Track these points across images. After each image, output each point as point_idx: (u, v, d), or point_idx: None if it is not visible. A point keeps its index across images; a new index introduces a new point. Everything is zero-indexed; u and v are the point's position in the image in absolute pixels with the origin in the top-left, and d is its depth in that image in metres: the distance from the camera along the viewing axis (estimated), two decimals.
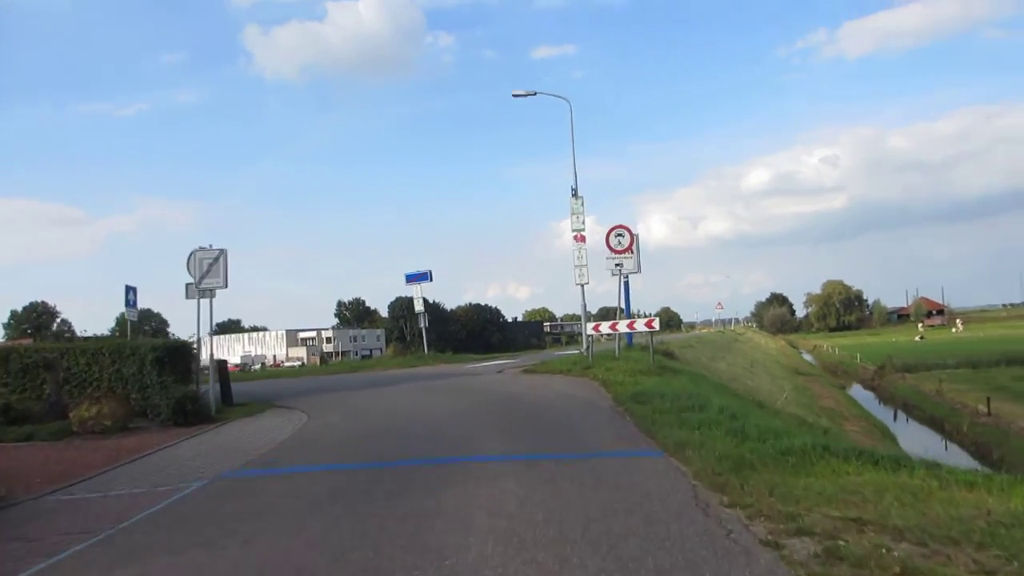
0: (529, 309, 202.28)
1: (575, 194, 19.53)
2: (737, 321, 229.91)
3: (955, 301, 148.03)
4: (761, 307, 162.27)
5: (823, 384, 44.63)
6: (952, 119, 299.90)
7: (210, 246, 18.94)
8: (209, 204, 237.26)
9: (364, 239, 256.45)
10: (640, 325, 20.39)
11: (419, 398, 18.58)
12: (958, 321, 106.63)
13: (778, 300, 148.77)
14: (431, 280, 36.90)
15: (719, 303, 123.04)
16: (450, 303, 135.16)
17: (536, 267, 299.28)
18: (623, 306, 22.66)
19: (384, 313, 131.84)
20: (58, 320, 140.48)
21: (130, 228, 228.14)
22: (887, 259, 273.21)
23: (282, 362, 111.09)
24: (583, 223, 19.24)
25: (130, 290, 25.98)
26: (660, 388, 14.80)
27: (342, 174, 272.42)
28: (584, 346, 23.00)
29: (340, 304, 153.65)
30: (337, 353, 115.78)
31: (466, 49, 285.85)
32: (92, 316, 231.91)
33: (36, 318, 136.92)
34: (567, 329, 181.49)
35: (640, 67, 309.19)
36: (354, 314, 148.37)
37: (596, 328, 22.63)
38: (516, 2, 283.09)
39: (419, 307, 36.86)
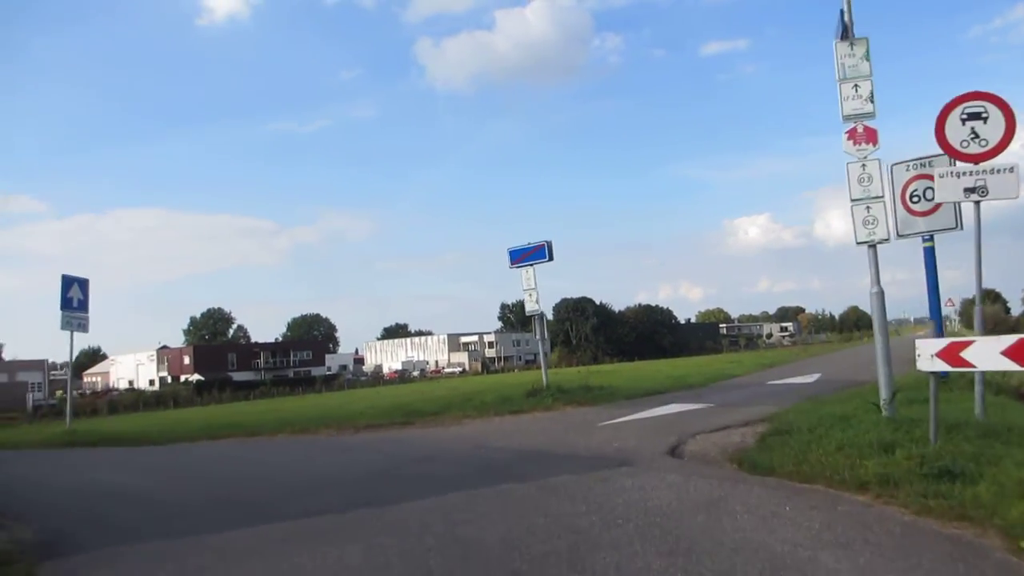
0: (702, 310, 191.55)
1: (845, 35, 9.07)
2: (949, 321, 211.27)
3: None
4: (967, 304, 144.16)
5: None
6: None
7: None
8: (383, 212, 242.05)
9: (531, 240, 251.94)
10: None
11: None
12: None
13: (989, 297, 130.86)
14: (550, 258, 19.32)
15: (949, 299, 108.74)
16: (619, 304, 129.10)
17: (709, 267, 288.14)
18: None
19: (551, 315, 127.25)
20: (234, 326, 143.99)
21: (313, 239, 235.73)
22: None
23: (442, 368, 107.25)
24: (870, 96, 8.06)
25: (71, 284, 18.49)
26: None
27: (510, 179, 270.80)
28: (883, 392, 8.85)
29: (504, 307, 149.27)
30: (500, 358, 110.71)
31: (634, 49, 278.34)
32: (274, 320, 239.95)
33: (213, 324, 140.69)
34: (744, 331, 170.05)
35: (815, 56, 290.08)
36: (518, 317, 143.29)
37: (953, 354, 6.84)
38: None
39: (531, 306, 19.48)
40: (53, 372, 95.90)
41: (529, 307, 19.38)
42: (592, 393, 18.08)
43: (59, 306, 18.07)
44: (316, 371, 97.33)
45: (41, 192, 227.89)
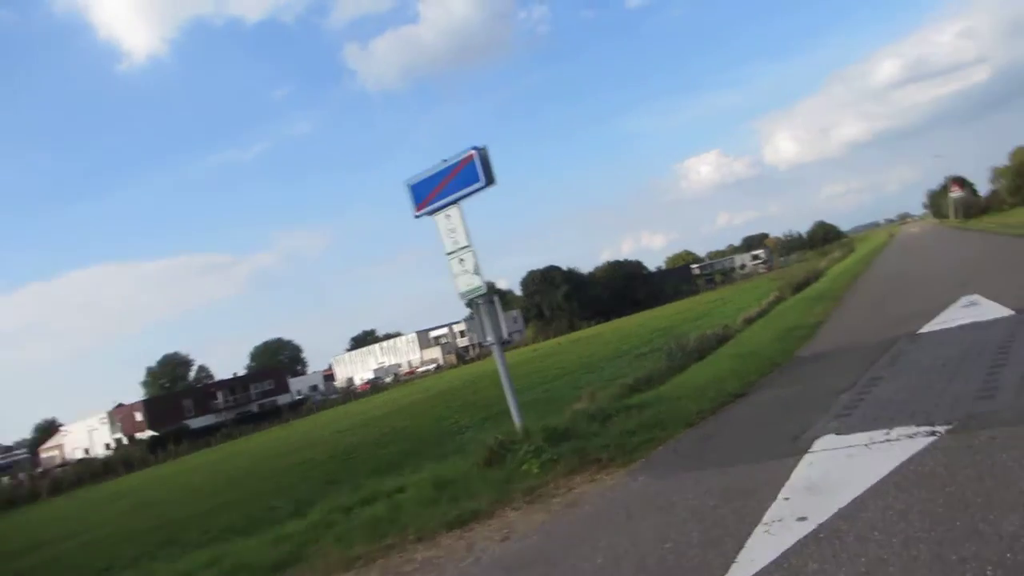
0: (670, 255, 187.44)
1: None
2: (910, 217, 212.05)
3: None
4: (935, 195, 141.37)
5: None
6: None
7: None
8: (336, 223, 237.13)
9: (487, 223, 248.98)
10: None
11: None
12: None
13: (957, 183, 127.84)
14: (487, 181, 9.49)
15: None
16: (587, 266, 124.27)
17: (666, 212, 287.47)
18: None
19: (518, 292, 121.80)
20: (195, 368, 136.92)
21: (271, 263, 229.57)
22: None
23: (416, 368, 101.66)
24: None
25: None
26: None
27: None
28: None
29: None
30: (474, 345, 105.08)
31: (561, 15, 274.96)
32: (237, 355, 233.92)
33: (172, 371, 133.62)
34: (717, 267, 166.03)
35: None
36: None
37: None
38: None
39: (466, 280, 9.82)
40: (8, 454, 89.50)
41: (463, 284, 9.77)
42: (621, 424, 9.10)
43: None
44: (281, 399, 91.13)
45: None
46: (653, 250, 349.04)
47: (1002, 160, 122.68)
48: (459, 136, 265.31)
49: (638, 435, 8.34)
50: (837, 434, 6.55)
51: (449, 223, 9.92)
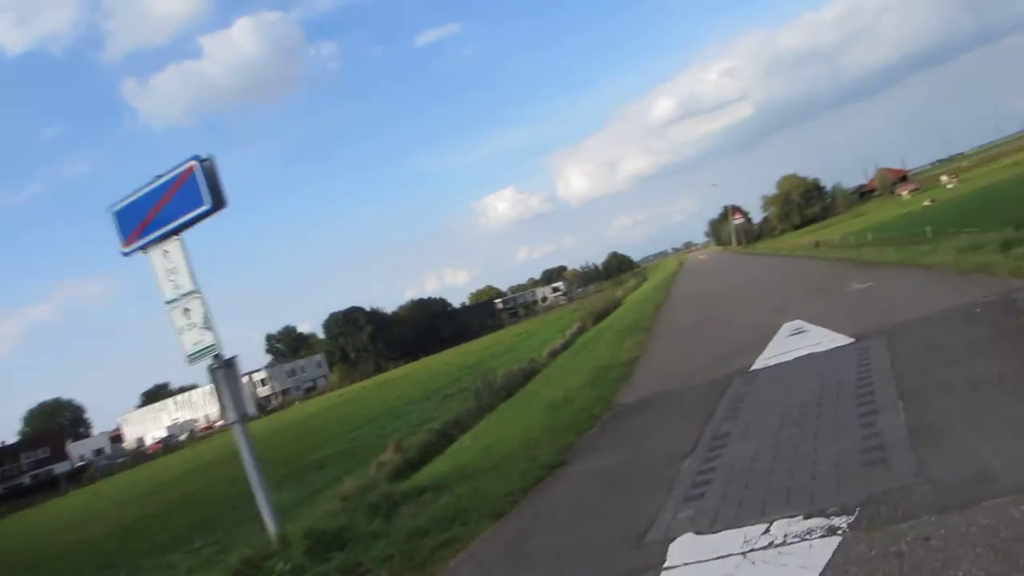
0: (473, 291, 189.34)
1: None
2: (694, 245, 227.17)
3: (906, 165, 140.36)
4: (715, 224, 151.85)
5: None
6: (835, 3, 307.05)
7: None
8: (120, 270, 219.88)
9: (283, 263, 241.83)
10: None
11: None
12: (944, 177, 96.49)
13: (736, 211, 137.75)
14: (215, 205, 6.94)
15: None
16: (390, 306, 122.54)
17: (467, 248, 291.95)
18: None
19: (322, 335, 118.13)
20: None
21: (47, 315, 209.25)
22: (818, 146, 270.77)
23: (214, 423, 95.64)
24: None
25: None
26: None
27: (246, 204, 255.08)
28: None
29: (270, 338, 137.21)
30: (276, 394, 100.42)
31: (350, 52, 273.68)
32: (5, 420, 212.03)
33: None
34: (520, 301, 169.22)
35: (523, 29, 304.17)
36: (288, 344, 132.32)
37: None
38: None
39: (194, 339, 7.14)
40: None
41: (189, 343, 7.21)
42: (410, 519, 6.99)
43: None
44: (59, 468, 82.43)
45: None
46: (457, 287, 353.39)
47: (770, 189, 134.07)
48: (253, 174, 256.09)
49: (431, 535, 6.34)
50: (697, 533, 4.77)
51: (168, 261, 7.25)
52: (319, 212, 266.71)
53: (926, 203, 63.30)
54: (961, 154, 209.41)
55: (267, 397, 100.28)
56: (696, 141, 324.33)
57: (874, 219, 70.62)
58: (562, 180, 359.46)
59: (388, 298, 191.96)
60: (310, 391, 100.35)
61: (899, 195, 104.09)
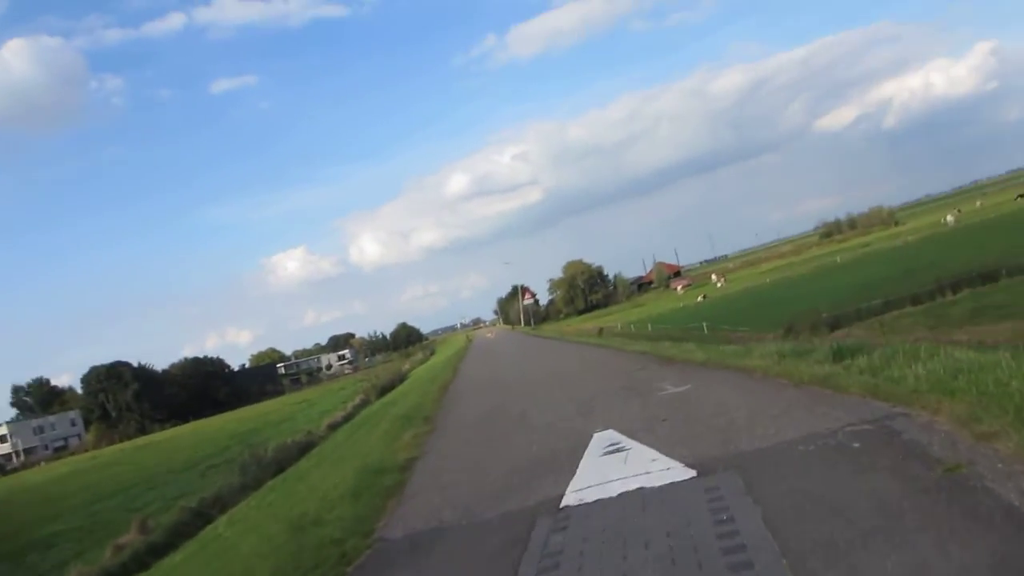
0: (255, 352, 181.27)
1: None
2: (483, 322, 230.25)
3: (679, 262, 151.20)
4: (504, 302, 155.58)
5: None
6: (618, 105, 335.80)
7: None
8: None
9: (39, 311, 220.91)
10: None
11: None
12: (714, 276, 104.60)
13: (525, 291, 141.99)
14: None
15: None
16: (163, 363, 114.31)
17: (254, 307, 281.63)
18: None
19: (79, 388, 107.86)
20: None
21: None
22: (602, 235, 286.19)
23: None
24: None
25: None
26: None
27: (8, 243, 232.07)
28: None
29: (17, 390, 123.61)
30: (17, 453, 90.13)
31: (137, 89, 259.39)
32: None
33: None
34: (303, 366, 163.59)
35: (325, 91, 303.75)
36: (38, 398, 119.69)
37: None
38: (186, 36, 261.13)
39: None
40: None
41: None
42: None
43: None
44: None
45: None
46: (240, 346, 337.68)
47: (557, 272, 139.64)
48: (22, 206, 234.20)
49: None
50: None
51: None
52: (90, 254, 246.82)
53: (699, 299, 68.13)
54: (725, 256, 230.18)
55: (7, 455, 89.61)
56: (488, 219, 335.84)
57: (652, 310, 75.10)
58: (355, 245, 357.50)
59: (164, 354, 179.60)
60: (60, 451, 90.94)
61: (674, 289, 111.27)
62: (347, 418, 33.70)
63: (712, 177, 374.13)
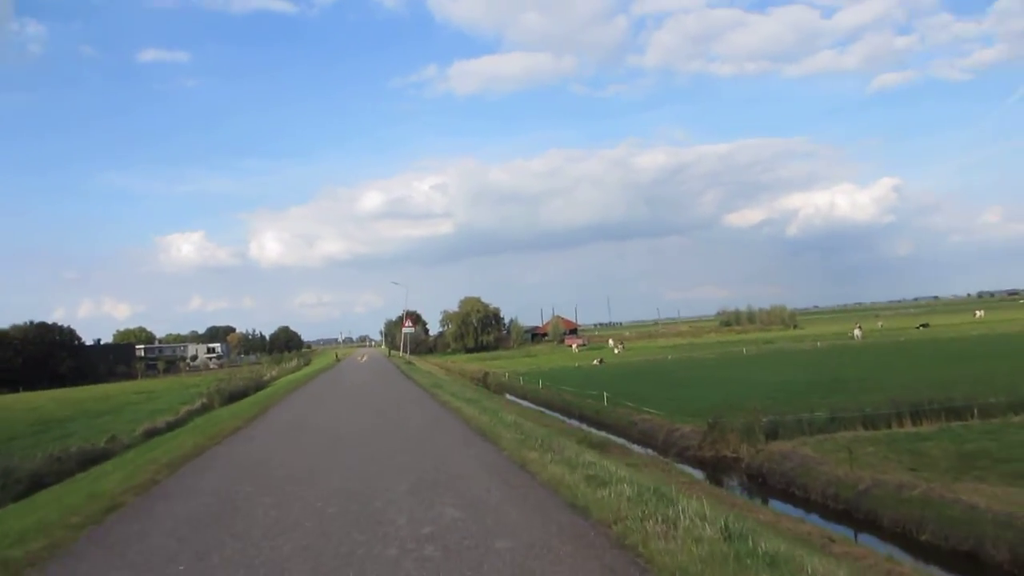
0: (123, 329, 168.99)
1: None
2: (371, 340, 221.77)
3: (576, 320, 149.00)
4: (391, 325, 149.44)
5: None
6: (544, 159, 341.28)
7: None
8: None
9: None
10: None
11: None
12: (611, 340, 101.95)
13: (412, 318, 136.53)
14: None
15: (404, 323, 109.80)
16: (9, 321, 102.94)
17: (139, 283, 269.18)
18: None
19: None
20: None
21: None
22: (505, 279, 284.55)
23: None
24: None
25: None
26: None
27: None
28: None
29: None
30: None
31: (59, 42, 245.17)
32: None
33: None
34: (166, 352, 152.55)
35: (256, 82, 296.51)
36: None
37: None
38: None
39: None
40: None
41: None
42: None
43: None
44: None
45: None
46: (115, 319, 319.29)
47: (453, 305, 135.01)
48: None
49: None
50: None
51: None
52: None
53: (595, 362, 64.48)
54: (620, 323, 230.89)
55: None
56: (395, 241, 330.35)
57: (544, 363, 71.21)
58: (257, 241, 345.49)
59: (18, 311, 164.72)
60: None
61: (569, 346, 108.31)
62: (175, 424, 27.96)
63: (620, 246, 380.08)
